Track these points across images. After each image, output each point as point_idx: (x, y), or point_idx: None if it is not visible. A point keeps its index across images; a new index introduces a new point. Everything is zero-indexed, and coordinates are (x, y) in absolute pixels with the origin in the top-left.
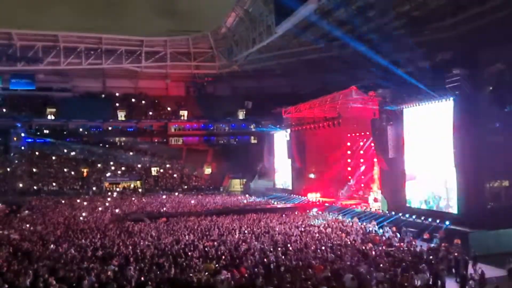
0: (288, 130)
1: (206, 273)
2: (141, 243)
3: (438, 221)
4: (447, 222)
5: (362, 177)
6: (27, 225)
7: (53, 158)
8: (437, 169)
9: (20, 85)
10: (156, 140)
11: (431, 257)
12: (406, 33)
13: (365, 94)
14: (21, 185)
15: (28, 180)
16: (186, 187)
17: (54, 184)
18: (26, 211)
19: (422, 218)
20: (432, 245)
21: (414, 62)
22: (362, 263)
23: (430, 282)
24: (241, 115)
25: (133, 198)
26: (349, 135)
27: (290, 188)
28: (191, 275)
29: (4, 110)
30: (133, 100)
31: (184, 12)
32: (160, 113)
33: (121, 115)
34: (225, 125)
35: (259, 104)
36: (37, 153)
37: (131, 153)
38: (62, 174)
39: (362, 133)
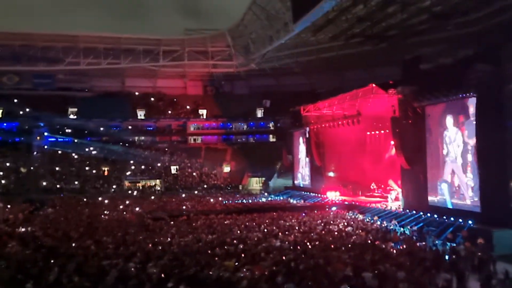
0: (307, 128)
1: (226, 271)
2: (162, 240)
3: (460, 220)
4: (470, 221)
5: (382, 175)
6: (51, 223)
7: (75, 157)
8: (459, 167)
9: (42, 85)
10: (175, 139)
11: (453, 256)
12: (428, 29)
13: (385, 92)
14: (44, 183)
15: (50, 178)
16: (205, 185)
17: (76, 182)
18: (49, 209)
19: (444, 217)
20: (455, 244)
21: (435, 58)
22: (383, 261)
23: (453, 282)
24: (259, 113)
25: (153, 197)
26: (368, 133)
27: (309, 186)
28: (211, 272)
29: (27, 110)
30: (151, 99)
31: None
32: (178, 112)
33: (141, 114)
34: (244, 123)
35: (277, 103)
36: (59, 152)
37: (150, 152)
38: (83, 173)
39: (382, 131)
